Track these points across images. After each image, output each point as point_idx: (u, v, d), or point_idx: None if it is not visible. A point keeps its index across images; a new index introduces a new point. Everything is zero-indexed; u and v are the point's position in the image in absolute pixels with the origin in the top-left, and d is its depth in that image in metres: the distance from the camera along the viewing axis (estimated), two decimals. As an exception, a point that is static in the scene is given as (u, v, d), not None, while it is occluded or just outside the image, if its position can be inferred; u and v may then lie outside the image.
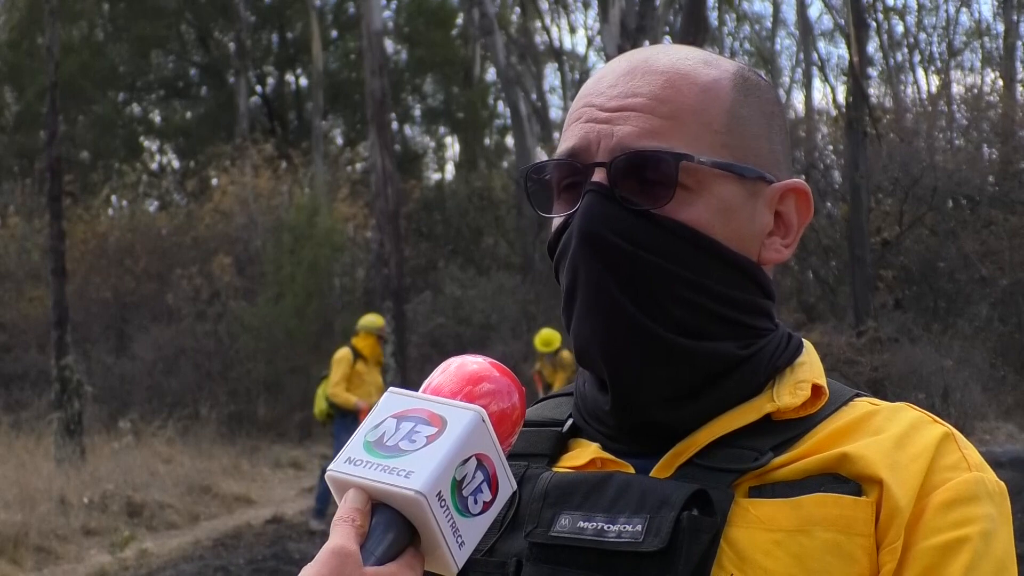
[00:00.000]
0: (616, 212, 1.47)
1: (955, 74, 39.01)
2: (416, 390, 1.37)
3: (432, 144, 44.95)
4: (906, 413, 1.49)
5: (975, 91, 32.83)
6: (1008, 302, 25.57)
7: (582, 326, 1.50)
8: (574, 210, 1.49)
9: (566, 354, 17.90)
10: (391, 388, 1.36)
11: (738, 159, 1.50)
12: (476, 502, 1.28)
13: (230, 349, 26.02)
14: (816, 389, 1.51)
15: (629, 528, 1.40)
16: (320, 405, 16.86)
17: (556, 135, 40.45)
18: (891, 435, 1.43)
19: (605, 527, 1.42)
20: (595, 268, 1.47)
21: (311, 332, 26.04)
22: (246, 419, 24.28)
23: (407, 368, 23.25)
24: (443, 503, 1.25)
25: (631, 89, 1.51)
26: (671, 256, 1.47)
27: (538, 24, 43.96)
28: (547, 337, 17.60)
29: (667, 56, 1.55)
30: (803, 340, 1.61)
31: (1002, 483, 1.46)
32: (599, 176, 1.48)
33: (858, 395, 1.54)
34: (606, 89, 1.52)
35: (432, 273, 31.27)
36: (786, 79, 42.23)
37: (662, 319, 1.47)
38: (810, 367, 1.56)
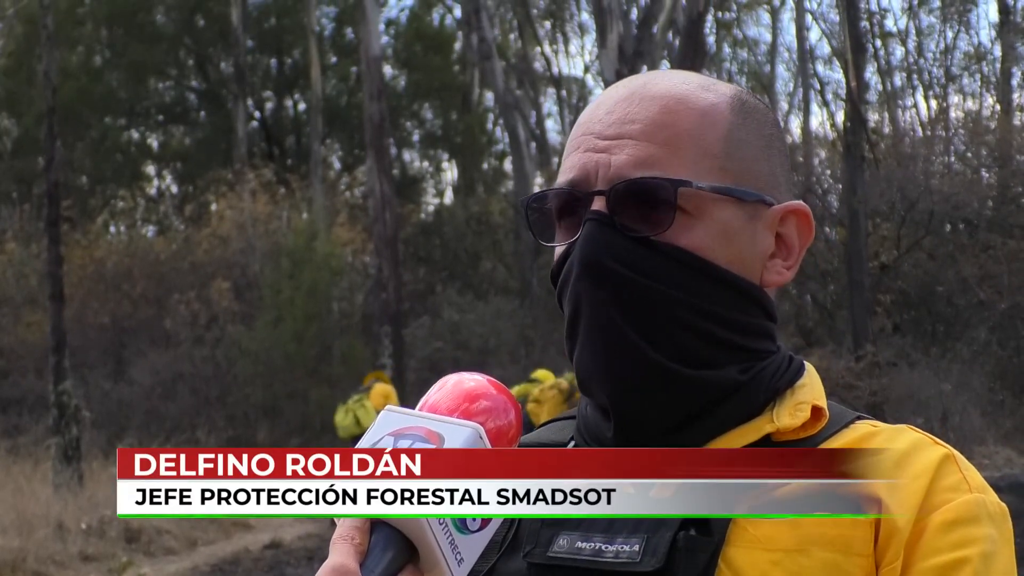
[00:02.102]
0: (616, 240, 1.47)
1: (953, 99, 39.11)
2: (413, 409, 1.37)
3: (430, 169, 45.01)
4: (907, 435, 1.49)
5: (973, 116, 32.91)
6: (1007, 326, 25.55)
7: (584, 355, 1.50)
8: (575, 239, 1.49)
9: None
10: (388, 407, 1.36)
11: (737, 183, 1.50)
12: (475, 519, 1.28)
13: (228, 374, 26.01)
14: (816, 411, 1.51)
15: (627, 548, 1.41)
16: (347, 421, 16.94)
17: (555, 160, 40.53)
18: (891, 455, 1.40)
19: (603, 547, 1.42)
20: (597, 296, 1.47)
21: (309, 357, 26.04)
22: (244, 444, 24.23)
23: (405, 392, 23.25)
24: (442, 520, 1.25)
25: (628, 116, 1.51)
26: (673, 282, 1.46)
27: (536, 49, 44.06)
28: (543, 376, 17.60)
29: (664, 81, 1.55)
30: (804, 362, 1.60)
31: (1003, 505, 1.45)
32: (598, 204, 1.48)
33: (860, 417, 1.54)
34: (603, 116, 1.52)
35: (430, 298, 31.29)
36: (784, 104, 42.34)
37: (665, 347, 1.46)
38: (810, 389, 1.55)
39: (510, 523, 1.49)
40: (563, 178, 1.53)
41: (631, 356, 1.46)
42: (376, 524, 1.25)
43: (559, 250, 1.54)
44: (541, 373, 17.83)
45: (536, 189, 34.12)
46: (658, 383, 1.47)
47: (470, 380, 1.38)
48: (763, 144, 1.56)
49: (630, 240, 1.47)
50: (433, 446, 1.28)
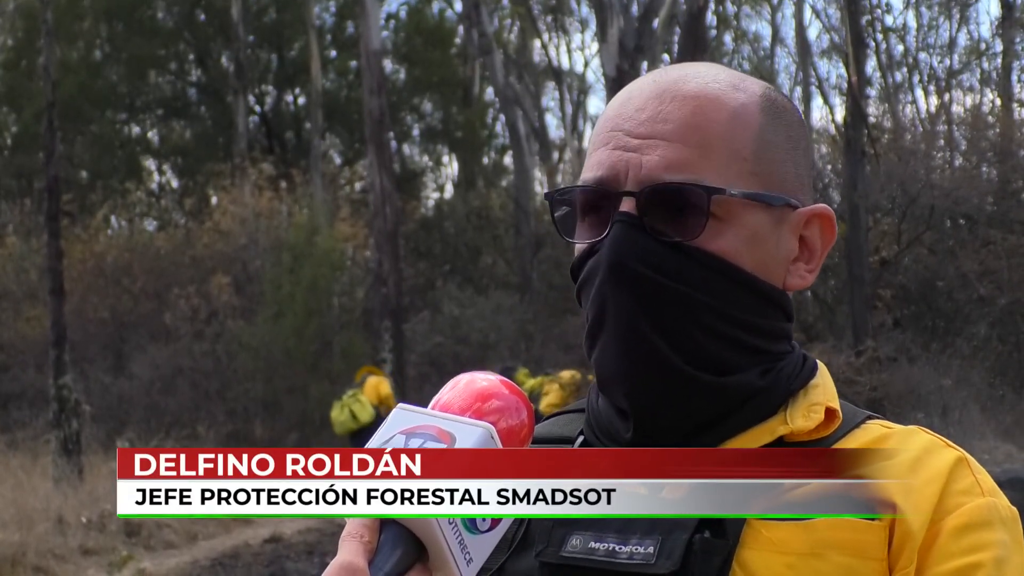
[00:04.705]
0: (645, 243, 1.46)
1: (954, 93, 39.08)
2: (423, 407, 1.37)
3: (430, 163, 44.98)
4: (919, 437, 1.49)
5: (974, 111, 32.88)
6: (1007, 321, 25.55)
7: (607, 357, 1.50)
8: (601, 237, 1.48)
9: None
10: (400, 404, 1.36)
11: (766, 187, 1.50)
12: (484, 519, 1.28)
13: (228, 369, 25.99)
14: (829, 412, 1.51)
15: (641, 550, 1.40)
16: (343, 417, 16.94)
17: (555, 154, 40.54)
18: (905, 459, 1.42)
19: (617, 548, 1.42)
20: (624, 300, 1.46)
21: (309, 352, 26.01)
22: (244, 438, 24.24)
23: (405, 387, 23.25)
24: (451, 520, 1.25)
25: (659, 114, 1.49)
26: (701, 287, 1.46)
27: (536, 43, 44.06)
28: None
29: (696, 78, 1.53)
30: (817, 362, 1.60)
31: (1014, 508, 1.46)
32: (627, 206, 1.47)
33: (870, 417, 1.53)
34: (634, 113, 1.51)
35: (430, 292, 31.26)
36: (784, 98, 42.20)
37: (690, 353, 1.46)
38: (823, 390, 1.55)
39: (520, 522, 1.49)
40: (591, 174, 1.51)
41: (655, 362, 1.46)
42: (385, 522, 1.25)
43: (581, 246, 1.53)
44: None
45: (536, 184, 34.05)
46: (680, 389, 1.47)
47: (482, 380, 1.39)
48: (790, 145, 1.55)
49: (660, 244, 1.46)
50: (444, 445, 1.28)
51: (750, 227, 1.48)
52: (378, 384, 17.45)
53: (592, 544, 1.43)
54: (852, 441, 1.48)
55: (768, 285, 1.51)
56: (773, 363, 1.52)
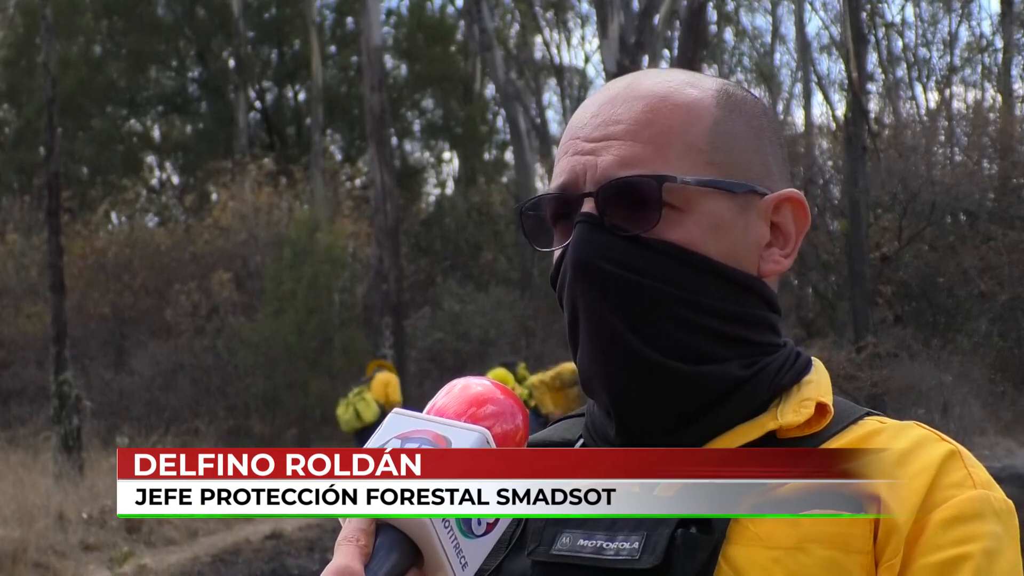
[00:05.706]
0: (607, 240, 1.48)
1: (955, 89, 39.09)
2: (416, 407, 1.38)
3: (431, 159, 44.96)
4: (912, 431, 1.48)
5: (974, 106, 32.90)
6: (1007, 317, 25.57)
7: (584, 357, 1.51)
8: (568, 241, 1.51)
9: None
10: (396, 409, 1.37)
11: (725, 175, 1.51)
12: (480, 523, 1.28)
13: (228, 365, 25.98)
14: (820, 407, 1.50)
15: (627, 545, 1.41)
16: (347, 415, 16.92)
17: (555, 150, 40.43)
18: (893, 454, 1.40)
19: (604, 544, 1.43)
20: (591, 297, 1.48)
21: (310, 348, 26.01)
22: (244, 434, 24.25)
23: (406, 383, 23.21)
24: (447, 524, 1.25)
25: (612, 117, 1.52)
26: (666, 277, 1.47)
27: (537, 39, 44.03)
28: (499, 377, 17.45)
29: (647, 80, 1.56)
30: (812, 359, 1.60)
31: (1010, 501, 1.44)
32: (588, 206, 1.49)
33: (869, 414, 1.53)
34: (589, 120, 1.54)
35: (431, 288, 31.27)
36: (785, 94, 42.30)
37: (663, 345, 1.47)
38: (816, 385, 1.54)
39: (517, 522, 1.50)
40: (554, 183, 1.55)
41: (629, 356, 1.47)
42: (381, 527, 1.26)
43: (555, 255, 1.56)
44: (500, 372, 17.76)
45: (537, 180, 34.10)
46: (657, 382, 1.47)
47: (477, 385, 1.39)
48: (752, 135, 1.56)
49: (620, 239, 1.48)
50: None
51: (712, 215, 1.49)
52: (387, 384, 17.42)
53: (581, 541, 1.44)
54: (844, 437, 1.48)
55: (739, 272, 1.51)
56: (758, 356, 1.52)
